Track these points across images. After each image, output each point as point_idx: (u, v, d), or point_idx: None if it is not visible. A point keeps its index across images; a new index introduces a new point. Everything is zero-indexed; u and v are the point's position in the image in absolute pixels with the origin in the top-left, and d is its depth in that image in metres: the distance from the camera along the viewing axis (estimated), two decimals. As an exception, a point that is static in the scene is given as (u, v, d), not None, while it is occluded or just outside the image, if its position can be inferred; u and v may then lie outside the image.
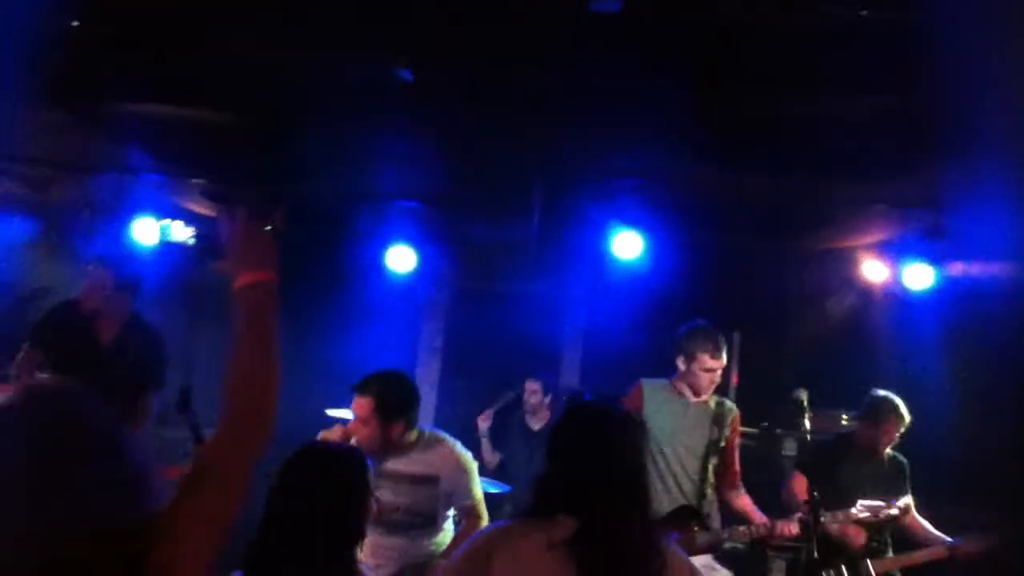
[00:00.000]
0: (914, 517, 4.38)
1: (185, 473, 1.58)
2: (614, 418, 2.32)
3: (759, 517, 4.01)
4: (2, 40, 3.56)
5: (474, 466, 3.73)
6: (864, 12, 3.23)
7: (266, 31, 3.56)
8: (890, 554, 4.41)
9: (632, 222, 5.50)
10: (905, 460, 4.51)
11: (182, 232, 5.13)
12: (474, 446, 5.75)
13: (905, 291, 5.55)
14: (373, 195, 5.35)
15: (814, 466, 4.24)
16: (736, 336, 5.94)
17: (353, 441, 3.48)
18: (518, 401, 6.07)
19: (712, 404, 4.13)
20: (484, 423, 5.99)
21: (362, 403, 3.44)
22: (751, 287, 6.23)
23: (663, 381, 4.18)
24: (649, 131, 4.51)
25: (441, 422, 6.13)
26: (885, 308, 5.96)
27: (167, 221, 5.13)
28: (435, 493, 3.60)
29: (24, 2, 3.32)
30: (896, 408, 4.38)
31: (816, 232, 5.78)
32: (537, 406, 5.94)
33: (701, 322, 4.11)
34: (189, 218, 5.50)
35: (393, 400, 3.48)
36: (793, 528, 3.78)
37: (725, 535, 4.01)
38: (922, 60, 3.17)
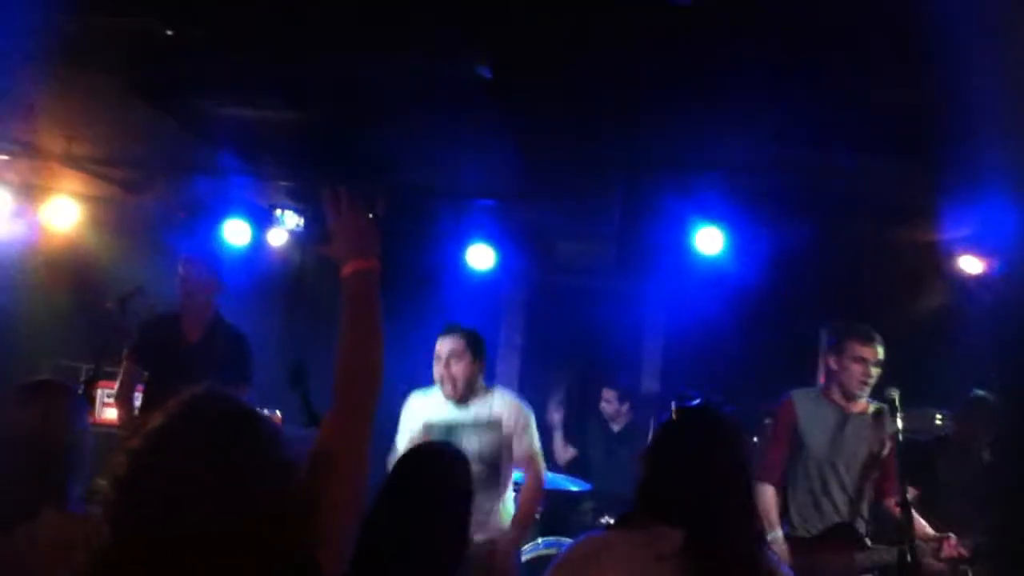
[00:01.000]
0: None
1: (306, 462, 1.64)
2: (721, 424, 2.19)
3: (928, 530, 3.75)
4: (99, 48, 3.73)
5: (532, 416, 4.12)
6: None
7: (348, 32, 3.63)
8: None
9: (715, 216, 5.42)
10: None
11: (292, 220, 5.34)
12: (548, 440, 5.76)
13: (1002, 284, 5.33)
14: (453, 193, 5.39)
15: (912, 466, 4.07)
16: (823, 333, 5.80)
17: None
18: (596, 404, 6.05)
19: (870, 411, 3.87)
20: (556, 415, 5.98)
21: (456, 340, 3.98)
22: (839, 281, 6.07)
23: (813, 390, 4.00)
24: (732, 122, 4.44)
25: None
26: (980, 302, 5.73)
27: (279, 211, 5.34)
28: (499, 438, 3.96)
29: (119, 11, 3.47)
30: (991, 408, 4.22)
31: (907, 223, 5.60)
32: (614, 414, 5.92)
33: (868, 328, 3.97)
34: (277, 219, 5.66)
35: (478, 340, 4.05)
36: (961, 550, 3.61)
37: (887, 554, 3.63)
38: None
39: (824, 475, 3.80)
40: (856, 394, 3.85)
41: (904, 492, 3.43)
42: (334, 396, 1.75)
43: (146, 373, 4.70)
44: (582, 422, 6.05)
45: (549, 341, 6.55)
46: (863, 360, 3.82)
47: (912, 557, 3.36)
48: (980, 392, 4.38)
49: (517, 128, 4.45)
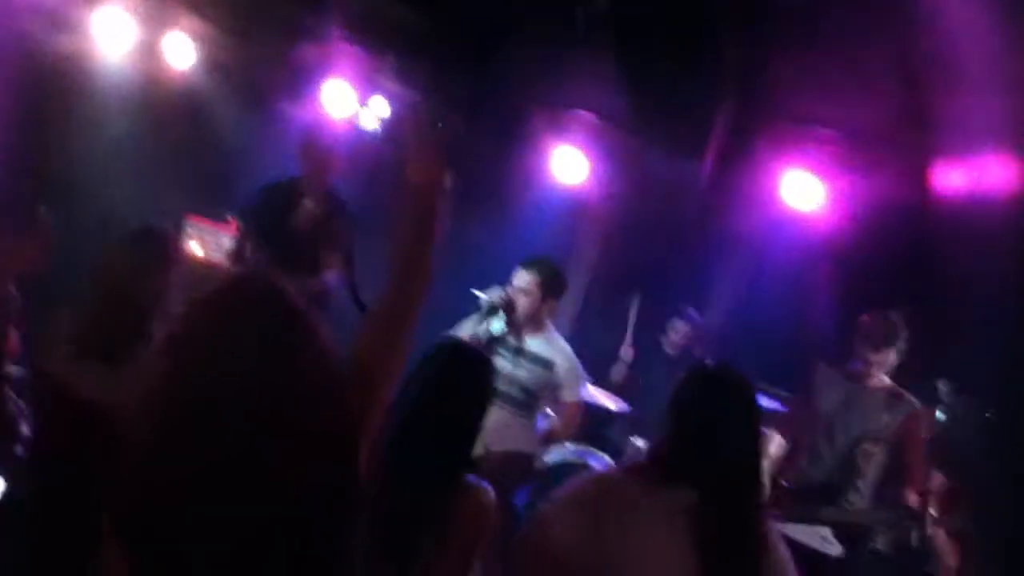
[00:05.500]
0: None
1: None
2: (740, 388, 2.26)
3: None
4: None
5: (584, 376, 4.26)
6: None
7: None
8: None
9: (813, 170, 5.25)
10: None
11: (371, 121, 5.46)
12: (606, 364, 5.85)
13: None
14: (552, 103, 5.34)
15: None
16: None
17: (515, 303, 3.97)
18: (659, 328, 6.11)
19: (888, 393, 3.95)
20: (628, 352, 6.00)
21: (530, 278, 4.01)
22: (941, 257, 5.75)
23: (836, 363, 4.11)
24: (844, 75, 4.29)
25: (580, 335, 6.21)
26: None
27: (359, 109, 5.44)
28: (547, 376, 4.07)
29: None
30: None
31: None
32: (678, 345, 5.99)
33: (887, 312, 3.97)
34: (380, 90, 5.73)
35: (554, 281, 4.09)
36: None
37: (857, 516, 3.92)
38: None
39: (822, 439, 3.97)
40: (866, 381, 3.98)
41: (926, 483, 3.47)
42: (386, 289, 1.84)
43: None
44: (639, 347, 6.10)
45: (623, 260, 6.55)
46: (871, 363, 3.92)
47: (919, 539, 3.62)
48: None
49: (626, 52, 4.38)
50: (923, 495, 3.57)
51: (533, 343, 4.07)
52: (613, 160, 5.54)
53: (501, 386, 3.80)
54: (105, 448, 1.73)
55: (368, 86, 5.70)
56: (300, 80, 5.67)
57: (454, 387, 2.42)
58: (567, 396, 4.20)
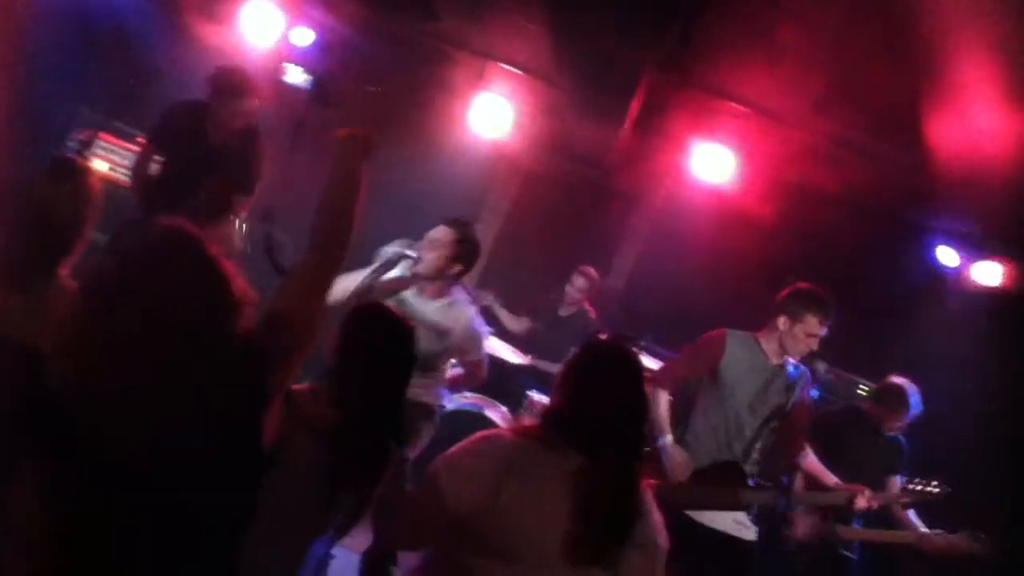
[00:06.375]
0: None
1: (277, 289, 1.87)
2: (631, 365, 2.36)
3: (831, 479, 4.03)
4: None
5: (484, 333, 4.19)
6: None
7: None
8: (856, 526, 4.43)
9: (725, 143, 5.39)
10: (904, 441, 4.58)
11: (299, 76, 5.32)
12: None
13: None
14: (476, 52, 5.29)
15: (820, 432, 4.25)
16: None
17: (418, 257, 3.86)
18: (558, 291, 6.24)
19: (789, 368, 3.94)
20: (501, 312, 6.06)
21: (447, 233, 3.88)
22: (828, 240, 6.00)
23: (747, 334, 3.99)
24: (765, 55, 4.41)
25: (486, 285, 6.31)
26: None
27: (287, 66, 5.32)
28: (442, 345, 3.94)
29: None
30: (906, 399, 4.40)
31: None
32: (575, 300, 6.12)
33: (808, 285, 3.88)
34: (305, 20, 5.57)
35: (469, 245, 3.96)
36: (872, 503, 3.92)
37: (766, 496, 3.92)
38: None
39: (739, 418, 3.92)
40: (794, 357, 3.93)
41: (796, 455, 3.67)
42: (309, 245, 1.90)
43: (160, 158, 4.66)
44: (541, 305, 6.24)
45: (534, 215, 6.63)
46: (815, 336, 3.82)
47: (784, 507, 3.84)
48: (898, 380, 4.53)
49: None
50: (792, 468, 3.74)
51: (430, 309, 3.93)
52: (533, 114, 5.54)
53: None
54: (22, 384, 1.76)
55: (292, 13, 5.53)
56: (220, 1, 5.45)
57: (387, 356, 2.49)
58: (468, 357, 4.14)
